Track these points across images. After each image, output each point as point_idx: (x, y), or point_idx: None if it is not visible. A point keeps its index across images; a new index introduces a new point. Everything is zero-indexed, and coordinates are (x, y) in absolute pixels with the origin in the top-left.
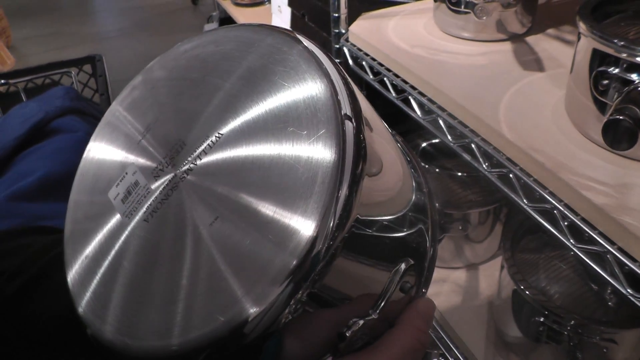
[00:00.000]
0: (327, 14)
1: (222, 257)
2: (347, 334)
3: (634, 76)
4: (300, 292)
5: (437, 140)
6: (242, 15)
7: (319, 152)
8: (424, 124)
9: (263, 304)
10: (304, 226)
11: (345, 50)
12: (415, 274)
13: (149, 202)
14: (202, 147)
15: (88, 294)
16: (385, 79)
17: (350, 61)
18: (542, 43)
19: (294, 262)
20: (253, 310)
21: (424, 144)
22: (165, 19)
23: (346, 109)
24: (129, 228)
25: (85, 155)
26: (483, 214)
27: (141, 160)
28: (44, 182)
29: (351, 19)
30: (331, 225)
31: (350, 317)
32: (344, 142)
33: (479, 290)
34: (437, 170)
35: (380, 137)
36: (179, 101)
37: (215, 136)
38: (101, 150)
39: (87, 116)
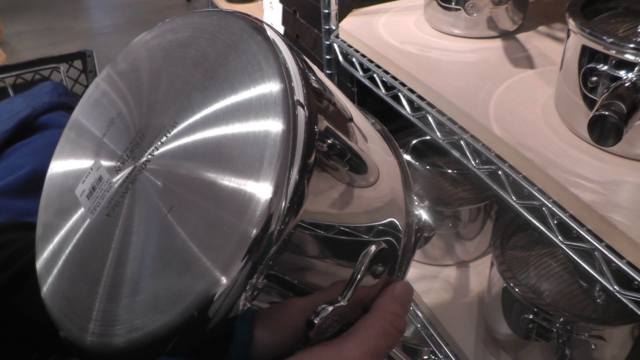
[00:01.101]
0: (318, 10)
1: (183, 241)
2: (316, 321)
3: (622, 73)
4: (255, 276)
5: (428, 137)
6: None
7: (267, 135)
8: (413, 121)
9: (230, 275)
10: (256, 202)
11: (336, 46)
12: (388, 258)
13: (110, 197)
14: (159, 138)
15: (57, 295)
16: (374, 75)
17: (340, 57)
18: (533, 40)
19: (254, 231)
20: (222, 280)
21: (414, 141)
22: (159, 16)
23: (299, 95)
24: (93, 224)
25: (55, 153)
26: (473, 211)
27: (104, 156)
28: (32, 178)
29: (342, 15)
30: (282, 206)
31: (320, 304)
32: (294, 125)
33: (469, 288)
34: (427, 167)
35: (352, 125)
36: (140, 93)
37: (171, 125)
38: (69, 149)
39: None
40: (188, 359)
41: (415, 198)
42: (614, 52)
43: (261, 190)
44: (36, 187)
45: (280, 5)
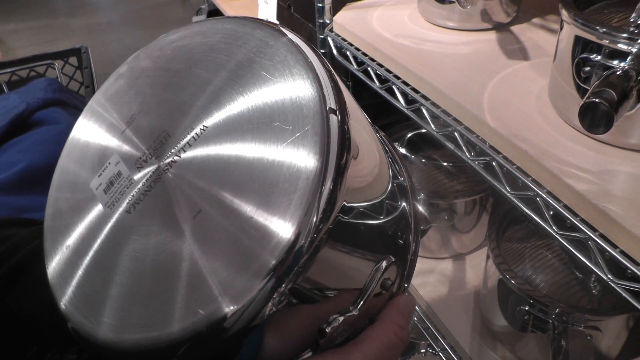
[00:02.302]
0: (312, 5)
1: (203, 252)
2: (327, 330)
3: (615, 62)
4: (283, 286)
5: (423, 131)
6: (229, 8)
7: (304, 147)
8: (408, 114)
9: (242, 301)
10: (286, 224)
11: (330, 40)
12: (396, 270)
13: (131, 194)
14: (187, 140)
15: (68, 287)
16: (369, 68)
17: (334, 51)
18: (527, 32)
19: (273, 262)
20: (232, 307)
21: (409, 135)
22: (154, 12)
23: (331, 102)
24: (111, 219)
25: (67, 144)
26: (469, 203)
27: (124, 151)
28: (26, 174)
29: (336, 9)
30: (314, 220)
31: (331, 313)
32: (328, 136)
33: (465, 281)
34: (423, 160)
35: (363, 131)
36: (164, 92)
37: (200, 129)
38: (83, 140)
39: (70, 108)
40: None
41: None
42: (607, 42)
43: (295, 204)
44: (31, 183)
45: (275, 0)
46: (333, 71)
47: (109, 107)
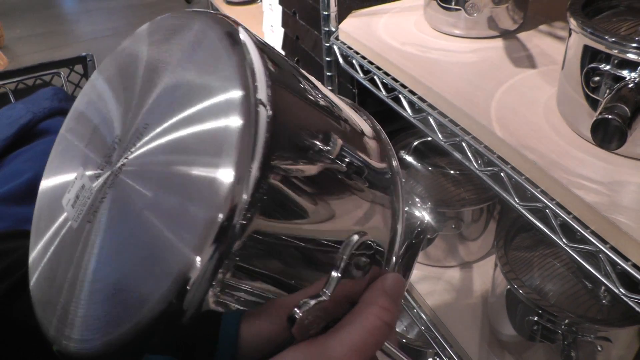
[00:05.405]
0: (318, 12)
1: (153, 239)
2: (297, 316)
3: (625, 72)
4: (225, 263)
5: (429, 139)
6: (234, 14)
7: (228, 129)
8: (415, 123)
9: (192, 271)
10: (221, 190)
11: (336, 48)
12: (373, 250)
13: (91, 203)
14: (134, 141)
15: (43, 303)
16: (375, 77)
17: (340, 60)
18: (534, 39)
19: (220, 216)
20: (184, 278)
21: (415, 142)
22: None
23: (261, 94)
24: (75, 232)
25: (47, 164)
26: (476, 211)
27: (87, 164)
28: (33, 185)
29: (341, 16)
30: (244, 198)
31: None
32: (256, 122)
33: (472, 289)
34: (429, 168)
35: (328, 114)
36: (117, 99)
37: (143, 127)
38: (58, 159)
39: None
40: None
41: (417, 199)
42: (616, 51)
43: (224, 177)
44: (36, 194)
45: (280, 7)
46: (270, 63)
47: (77, 123)
